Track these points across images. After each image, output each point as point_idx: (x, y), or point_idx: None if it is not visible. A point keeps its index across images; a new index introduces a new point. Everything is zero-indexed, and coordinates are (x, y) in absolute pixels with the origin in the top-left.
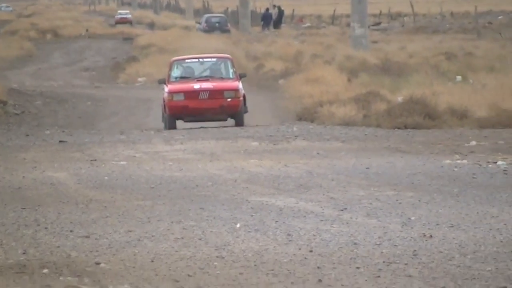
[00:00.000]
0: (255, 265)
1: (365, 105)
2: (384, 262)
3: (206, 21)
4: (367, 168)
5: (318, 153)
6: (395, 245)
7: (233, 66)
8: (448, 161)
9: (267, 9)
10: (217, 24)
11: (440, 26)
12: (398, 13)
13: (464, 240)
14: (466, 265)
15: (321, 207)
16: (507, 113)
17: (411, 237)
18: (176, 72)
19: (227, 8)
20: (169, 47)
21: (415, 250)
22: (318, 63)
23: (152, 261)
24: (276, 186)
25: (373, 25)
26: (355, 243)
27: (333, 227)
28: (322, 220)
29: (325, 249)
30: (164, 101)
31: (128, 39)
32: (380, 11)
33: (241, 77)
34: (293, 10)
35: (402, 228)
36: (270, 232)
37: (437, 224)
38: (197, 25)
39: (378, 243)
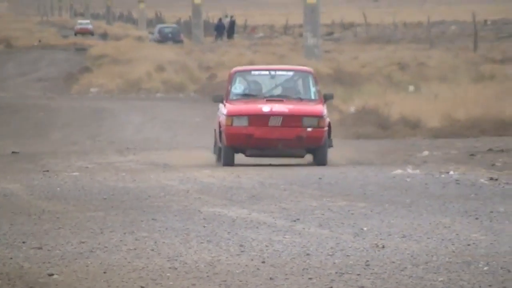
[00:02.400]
0: (207, 276)
1: None
2: (336, 272)
3: (159, 32)
4: (319, 178)
5: (270, 164)
6: (348, 256)
7: (316, 83)
8: (400, 171)
9: (220, 19)
10: (170, 35)
11: (393, 36)
12: (351, 23)
13: (416, 250)
14: (419, 275)
15: (274, 217)
16: (460, 123)
17: (364, 248)
18: (238, 88)
19: (180, 19)
20: (122, 57)
21: (367, 261)
22: None
23: (105, 272)
24: (228, 197)
25: (325, 35)
26: (307, 254)
27: (285, 237)
28: (274, 231)
29: (277, 260)
30: (219, 126)
31: (81, 49)
32: (333, 21)
33: (326, 98)
34: (246, 20)
35: (355, 238)
36: (222, 243)
37: (389, 235)
38: (150, 36)
39: (330, 253)
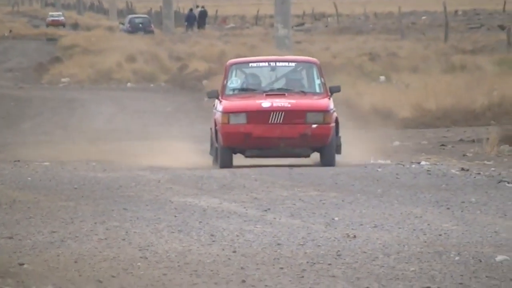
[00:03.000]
0: (178, 265)
1: None
2: (307, 262)
3: (130, 22)
4: (290, 168)
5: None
6: (319, 246)
7: (321, 75)
8: (371, 162)
9: (191, 10)
10: (140, 25)
11: (364, 26)
12: (322, 13)
13: (388, 240)
14: (390, 265)
15: (245, 207)
16: (431, 114)
17: (335, 238)
18: (234, 82)
19: (151, 9)
20: (93, 48)
21: (338, 251)
22: None
23: (76, 262)
24: (199, 187)
25: (296, 26)
26: (278, 244)
27: (256, 227)
28: (245, 221)
29: (248, 250)
30: (215, 125)
31: (52, 40)
32: (304, 12)
33: (332, 91)
34: (217, 11)
35: (326, 228)
36: (193, 233)
37: (361, 225)
38: (121, 26)
39: (301, 243)
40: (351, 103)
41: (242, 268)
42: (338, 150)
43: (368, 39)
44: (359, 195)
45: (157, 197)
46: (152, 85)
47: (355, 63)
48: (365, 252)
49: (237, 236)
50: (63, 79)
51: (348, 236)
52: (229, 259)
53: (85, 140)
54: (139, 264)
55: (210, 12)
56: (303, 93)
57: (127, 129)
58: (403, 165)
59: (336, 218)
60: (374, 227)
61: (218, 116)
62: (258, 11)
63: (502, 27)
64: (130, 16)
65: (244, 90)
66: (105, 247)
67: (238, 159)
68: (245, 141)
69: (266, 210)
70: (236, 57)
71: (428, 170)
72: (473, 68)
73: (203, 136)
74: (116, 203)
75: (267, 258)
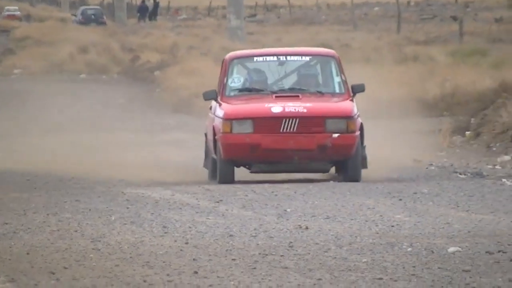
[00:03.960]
0: (131, 257)
1: None
2: (260, 253)
3: (82, 13)
4: None
5: (195, 145)
6: (271, 237)
7: (341, 70)
8: None
9: (143, 1)
10: (92, 16)
11: (316, 17)
12: (274, 4)
13: (340, 231)
14: (342, 256)
15: (197, 199)
16: (384, 105)
17: (287, 229)
18: (236, 80)
19: (103, 0)
20: (46, 39)
21: (291, 242)
22: (194, 55)
23: (28, 253)
24: (151, 178)
25: (249, 17)
26: (230, 235)
27: (208, 219)
28: (197, 212)
29: (200, 241)
30: (213, 133)
31: (5, 31)
32: (256, 3)
33: (355, 91)
34: (169, 2)
35: (278, 220)
36: (146, 224)
37: (313, 216)
38: (73, 18)
39: (254, 234)
40: None
41: (194, 259)
42: (363, 163)
43: (320, 30)
44: (311, 187)
45: (110, 188)
46: (104, 76)
47: None
48: (317, 244)
49: (190, 227)
50: (15, 71)
51: (300, 227)
52: (181, 250)
53: (37, 132)
54: (91, 255)
55: (163, 3)
56: (320, 94)
57: (79, 121)
58: None
59: (289, 210)
60: (326, 218)
61: (217, 122)
62: (210, 2)
63: (454, 18)
64: (83, 7)
65: (248, 91)
66: (57, 239)
67: (240, 173)
68: (251, 153)
69: (218, 202)
70: (189, 49)
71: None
72: (425, 59)
73: (154, 128)
74: (69, 195)
75: (219, 249)
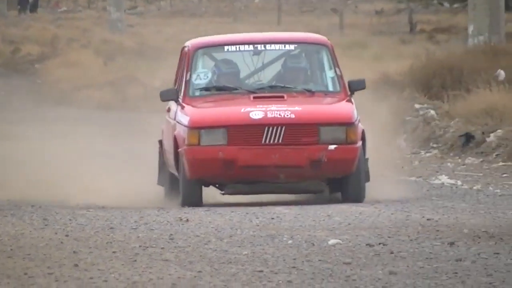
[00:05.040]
0: (11, 249)
1: (121, 89)
2: (140, 246)
3: None
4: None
5: (81, 138)
6: (152, 229)
7: (335, 62)
8: None
9: None
10: None
11: (197, 9)
12: None
13: (221, 224)
14: (223, 249)
15: None
16: None
17: (168, 221)
18: (202, 76)
19: None
20: None
21: (171, 234)
22: (75, 47)
23: None
24: None
25: (129, 9)
26: (111, 228)
27: (89, 211)
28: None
29: (81, 234)
30: (174, 144)
31: None
32: None
33: (353, 89)
34: None
35: (159, 212)
36: (26, 217)
37: (193, 208)
38: None
39: (134, 227)
40: None
41: (74, 252)
42: (366, 177)
43: (201, 22)
44: None
45: None
46: None
47: None
48: (198, 236)
49: (70, 220)
50: None
51: (181, 219)
52: (61, 243)
53: None
54: None
55: None
56: (310, 92)
57: None
58: None
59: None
60: (207, 210)
61: (180, 131)
62: None
63: (335, 10)
64: None
65: (218, 90)
66: None
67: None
68: (224, 172)
69: None
70: (69, 41)
71: None
72: None
73: (35, 121)
74: None
75: (99, 242)
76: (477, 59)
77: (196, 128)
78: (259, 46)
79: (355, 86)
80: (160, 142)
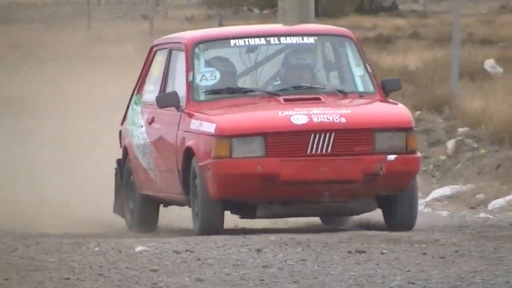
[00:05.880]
0: None
1: None
2: None
3: None
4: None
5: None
6: None
7: (363, 58)
8: None
9: None
10: None
11: (8, 16)
12: None
13: (28, 231)
14: (30, 256)
15: None
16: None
17: None
18: (208, 75)
19: None
20: None
21: None
22: None
23: None
24: None
25: None
26: None
27: None
28: None
29: None
30: (182, 159)
31: None
32: None
33: (388, 89)
34: None
35: None
36: None
37: None
38: None
39: None
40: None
41: None
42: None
43: (12, 29)
44: None
45: None
46: None
47: None
48: (4, 243)
49: None
50: None
51: None
52: None
53: None
54: None
55: None
56: (343, 93)
57: None
58: None
59: None
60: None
61: (197, 141)
62: None
63: (145, 17)
64: None
65: (231, 92)
66: None
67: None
68: (262, 190)
69: None
70: None
71: None
72: (118, 57)
73: None
74: None
75: None
76: None
77: (226, 136)
78: (273, 39)
79: (390, 86)
80: (119, 161)
